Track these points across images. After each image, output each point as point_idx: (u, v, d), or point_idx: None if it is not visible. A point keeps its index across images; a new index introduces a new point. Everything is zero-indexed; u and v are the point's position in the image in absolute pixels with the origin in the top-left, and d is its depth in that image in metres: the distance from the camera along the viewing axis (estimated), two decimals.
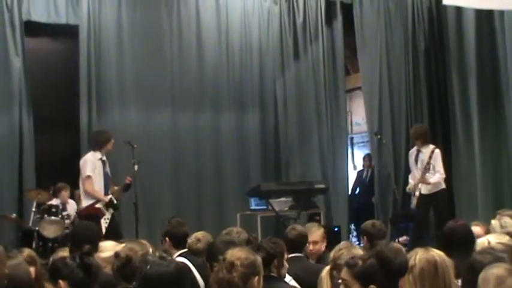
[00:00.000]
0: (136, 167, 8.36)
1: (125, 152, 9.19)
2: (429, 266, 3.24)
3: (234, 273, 3.19)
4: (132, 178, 8.27)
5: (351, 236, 11.32)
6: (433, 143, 9.82)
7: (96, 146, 8.11)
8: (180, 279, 3.10)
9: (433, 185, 8.71)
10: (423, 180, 8.68)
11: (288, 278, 4.26)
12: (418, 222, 8.91)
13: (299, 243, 5.18)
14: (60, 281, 3.27)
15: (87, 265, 3.26)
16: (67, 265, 3.29)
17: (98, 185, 7.95)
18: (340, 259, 3.83)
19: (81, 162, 7.97)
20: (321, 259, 5.37)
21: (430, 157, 8.71)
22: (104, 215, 7.84)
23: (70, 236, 5.31)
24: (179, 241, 5.11)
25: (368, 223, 5.62)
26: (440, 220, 7.91)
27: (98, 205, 7.83)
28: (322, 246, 5.58)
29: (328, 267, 3.94)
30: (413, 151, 9.07)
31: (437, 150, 8.83)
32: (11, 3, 9.64)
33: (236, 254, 3.29)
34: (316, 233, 5.56)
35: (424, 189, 8.74)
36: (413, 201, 8.85)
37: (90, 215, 7.66)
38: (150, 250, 4.30)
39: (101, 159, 8.03)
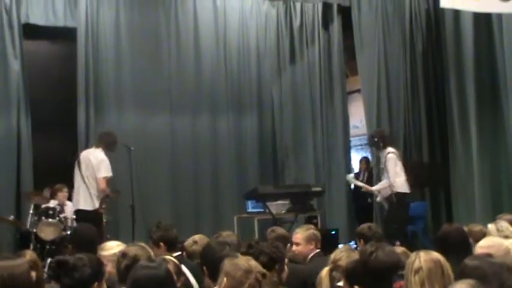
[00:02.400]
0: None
1: (121, 155, 9.21)
2: (436, 266, 3.26)
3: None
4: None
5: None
6: (430, 145, 9.99)
7: (107, 147, 8.08)
8: (169, 282, 3.09)
9: (383, 191, 8.77)
10: (367, 189, 9.00)
11: None
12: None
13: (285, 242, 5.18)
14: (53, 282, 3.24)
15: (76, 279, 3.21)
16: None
17: None
18: (341, 260, 3.89)
19: (94, 161, 7.92)
20: (310, 263, 5.28)
21: (384, 162, 8.81)
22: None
23: (71, 238, 5.25)
24: (173, 245, 5.12)
25: (364, 226, 5.61)
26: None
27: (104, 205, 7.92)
28: (306, 249, 5.45)
29: (327, 268, 3.95)
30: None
31: (389, 155, 8.80)
32: (10, 6, 9.67)
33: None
34: (297, 235, 5.49)
35: (379, 197, 8.94)
36: (385, 205, 8.99)
37: (98, 215, 7.79)
38: (152, 253, 4.32)
39: None
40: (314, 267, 4.13)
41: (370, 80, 11.19)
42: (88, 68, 10.11)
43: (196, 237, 5.37)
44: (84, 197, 7.89)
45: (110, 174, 7.92)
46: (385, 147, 8.85)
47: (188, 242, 5.33)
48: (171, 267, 3.79)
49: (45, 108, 10.21)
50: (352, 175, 9.51)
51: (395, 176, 8.67)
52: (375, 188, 8.94)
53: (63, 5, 10.15)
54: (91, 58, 10.15)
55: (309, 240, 5.48)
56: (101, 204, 7.91)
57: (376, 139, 8.97)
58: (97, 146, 8.12)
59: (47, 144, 10.12)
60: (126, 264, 3.75)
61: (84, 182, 7.92)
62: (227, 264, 3.29)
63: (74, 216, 8.34)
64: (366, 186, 9.20)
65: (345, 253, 4.02)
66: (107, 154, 8.07)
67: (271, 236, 5.30)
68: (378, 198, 9.03)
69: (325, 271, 3.94)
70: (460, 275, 3.08)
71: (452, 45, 10.27)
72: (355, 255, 3.92)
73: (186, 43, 10.92)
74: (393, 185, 8.66)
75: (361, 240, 5.40)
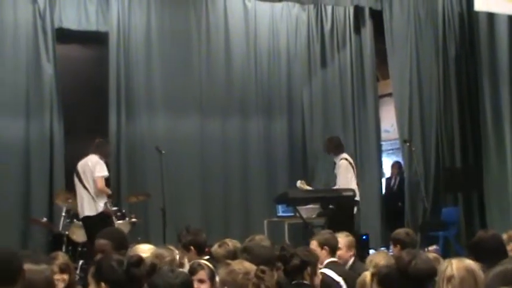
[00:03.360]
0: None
1: (152, 158, 9.27)
2: (469, 275, 3.21)
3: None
4: None
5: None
6: (463, 149, 9.85)
7: (101, 153, 8.23)
8: None
9: None
10: None
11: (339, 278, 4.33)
12: None
13: (334, 248, 5.16)
14: (103, 284, 3.25)
15: (131, 276, 3.24)
16: (113, 270, 3.26)
17: None
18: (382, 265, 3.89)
19: (91, 163, 8.08)
20: (352, 268, 5.33)
21: (336, 169, 8.98)
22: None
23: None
24: (202, 249, 5.16)
25: (401, 232, 5.58)
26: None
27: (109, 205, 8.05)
28: (347, 255, 5.53)
29: (369, 272, 3.95)
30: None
31: (341, 162, 8.95)
32: (44, 11, 9.77)
33: (253, 266, 3.32)
34: (339, 239, 5.49)
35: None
36: None
37: (108, 215, 7.96)
38: (177, 257, 4.32)
39: None
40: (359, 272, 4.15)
41: (402, 84, 11.12)
42: (119, 71, 10.18)
43: (227, 241, 5.37)
44: (88, 203, 8.04)
45: (105, 173, 8.10)
46: (340, 152, 9.05)
47: (216, 245, 5.32)
48: (206, 271, 3.81)
49: (77, 112, 10.28)
50: (300, 182, 9.41)
51: (347, 183, 8.82)
52: None
53: (96, 10, 10.24)
54: (122, 62, 10.22)
55: (349, 247, 5.58)
56: (105, 205, 7.98)
57: (332, 144, 9.18)
58: (93, 153, 8.23)
59: (78, 147, 10.17)
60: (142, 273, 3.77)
61: (85, 188, 8.06)
62: (222, 274, 3.34)
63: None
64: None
65: (386, 258, 4.09)
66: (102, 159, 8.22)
67: None
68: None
69: (369, 275, 3.95)
70: (498, 279, 3.02)
71: (486, 48, 10.14)
72: (393, 260, 3.90)
73: (216, 46, 10.95)
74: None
75: (398, 246, 5.35)
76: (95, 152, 8.19)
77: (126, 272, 3.20)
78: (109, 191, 8.19)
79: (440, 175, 10.79)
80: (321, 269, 4.58)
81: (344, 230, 5.78)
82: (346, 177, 8.86)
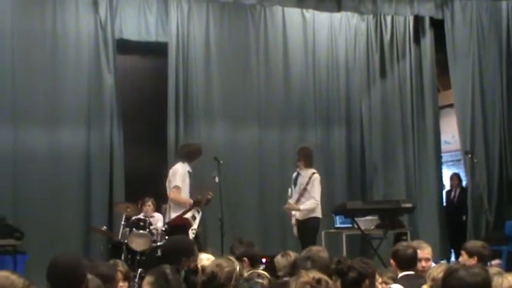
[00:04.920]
0: (217, 179, 8.44)
1: (211, 168, 9.28)
2: None
3: None
4: (213, 192, 8.40)
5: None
6: None
7: (186, 158, 8.25)
8: None
9: (306, 211, 8.45)
10: (292, 207, 8.52)
11: None
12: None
13: (413, 260, 5.04)
14: None
15: (192, 283, 3.25)
16: (175, 277, 3.27)
17: (185, 196, 8.17)
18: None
19: (171, 173, 8.18)
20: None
21: (307, 182, 8.48)
22: (191, 226, 7.98)
23: (166, 250, 5.32)
24: (256, 260, 5.16)
25: (478, 244, 5.49)
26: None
27: (187, 216, 7.98)
28: (431, 265, 5.40)
29: (427, 286, 3.87)
30: (295, 173, 8.75)
31: (316, 176, 8.55)
32: (105, 22, 9.95)
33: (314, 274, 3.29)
34: (427, 250, 5.40)
35: (299, 215, 8.51)
36: (294, 229, 8.62)
37: (179, 225, 7.90)
38: (238, 267, 4.30)
39: (188, 171, 8.20)
40: None
41: (464, 95, 10.92)
42: (178, 82, 10.28)
43: (289, 252, 5.34)
44: (167, 212, 8.07)
45: (179, 184, 8.05)
46: (310, 165, 8.66)
47: (280, 255, 5.31)
48: (265, 282, 3.78)
49: (136, 121, 10.42)
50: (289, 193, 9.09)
51: (319, 198, 8.54)
52: (302, 207, 8.52)
53: (155, 21, 10.38)
54: (181, 72, 10.31)
55: (432, 256, 5.53)
56: (183, 213, 7.98)
57: (309, 155, 8.74)
58: (179, 160, 8.31)
59: (138, 156, 10.31)
60: (203, 280, 3.76)
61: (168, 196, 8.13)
62: (291, 282, 3.32)
63: (163, 228, 8.49)
64: (293, 206, 8.62)
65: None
66: (192, 166, 8.28)
67: (408, 251, 5.05)
68: (293, 221, 8.65)
69: None
70: None
71: None
72: None
73: (274, 57, 10.95)
74: (314, 209, 8.48)
75: (475, 257, 5.21)
76: (180, 159, 8.31)
77: (185, 279, 3.21)
78: (184, 200, 8.10)
79: (503, 187, 10.53)
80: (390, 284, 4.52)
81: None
82: (319, 191, 8.58)
